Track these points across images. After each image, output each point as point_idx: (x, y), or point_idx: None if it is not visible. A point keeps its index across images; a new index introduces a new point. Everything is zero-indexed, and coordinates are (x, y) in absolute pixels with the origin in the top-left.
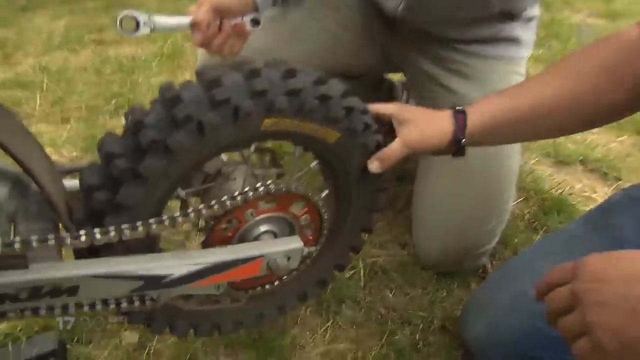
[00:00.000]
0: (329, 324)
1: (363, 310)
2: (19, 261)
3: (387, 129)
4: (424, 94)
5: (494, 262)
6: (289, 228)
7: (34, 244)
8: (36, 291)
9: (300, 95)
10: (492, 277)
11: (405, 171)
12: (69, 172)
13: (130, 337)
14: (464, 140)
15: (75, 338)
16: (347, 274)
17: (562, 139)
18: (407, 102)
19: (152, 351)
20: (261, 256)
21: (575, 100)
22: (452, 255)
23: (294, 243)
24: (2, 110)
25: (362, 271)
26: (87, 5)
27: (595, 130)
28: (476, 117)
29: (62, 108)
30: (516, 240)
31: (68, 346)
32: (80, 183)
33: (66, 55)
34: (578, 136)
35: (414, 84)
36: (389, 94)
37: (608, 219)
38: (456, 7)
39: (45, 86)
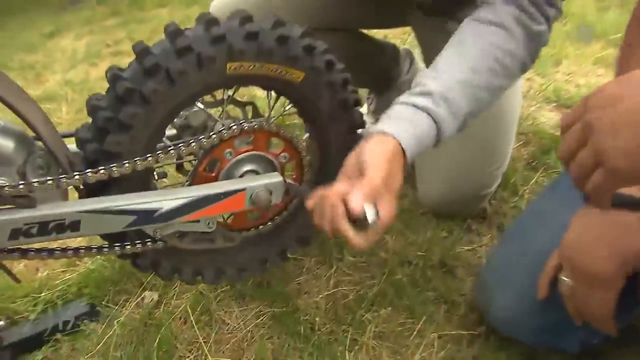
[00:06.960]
0: (333, 270)
1: (364, 256)
2: (27, 201)
3: None
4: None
5: (493, 201)
6: (271, 168)
7: (35, 184)
8: (44, 227)
9: (258, 38)
10: (507, 239)
11: None
12: (68, 136)
13: (150, 296)
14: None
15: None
16: None
17: (563, 83)
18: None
19: (170, 308)
20: (243, 189)
21: None
22: (453, 197)
23: (274, 178)
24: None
25: None
26: (106, 24)
27: (601, 72)
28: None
29: (85, 115)
30: (514, 179)
31: (98, 308)
32: (75, 140)
33: (87, 69)
34: (581, 79)
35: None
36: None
37: None
38: None
39: (70, 97)
